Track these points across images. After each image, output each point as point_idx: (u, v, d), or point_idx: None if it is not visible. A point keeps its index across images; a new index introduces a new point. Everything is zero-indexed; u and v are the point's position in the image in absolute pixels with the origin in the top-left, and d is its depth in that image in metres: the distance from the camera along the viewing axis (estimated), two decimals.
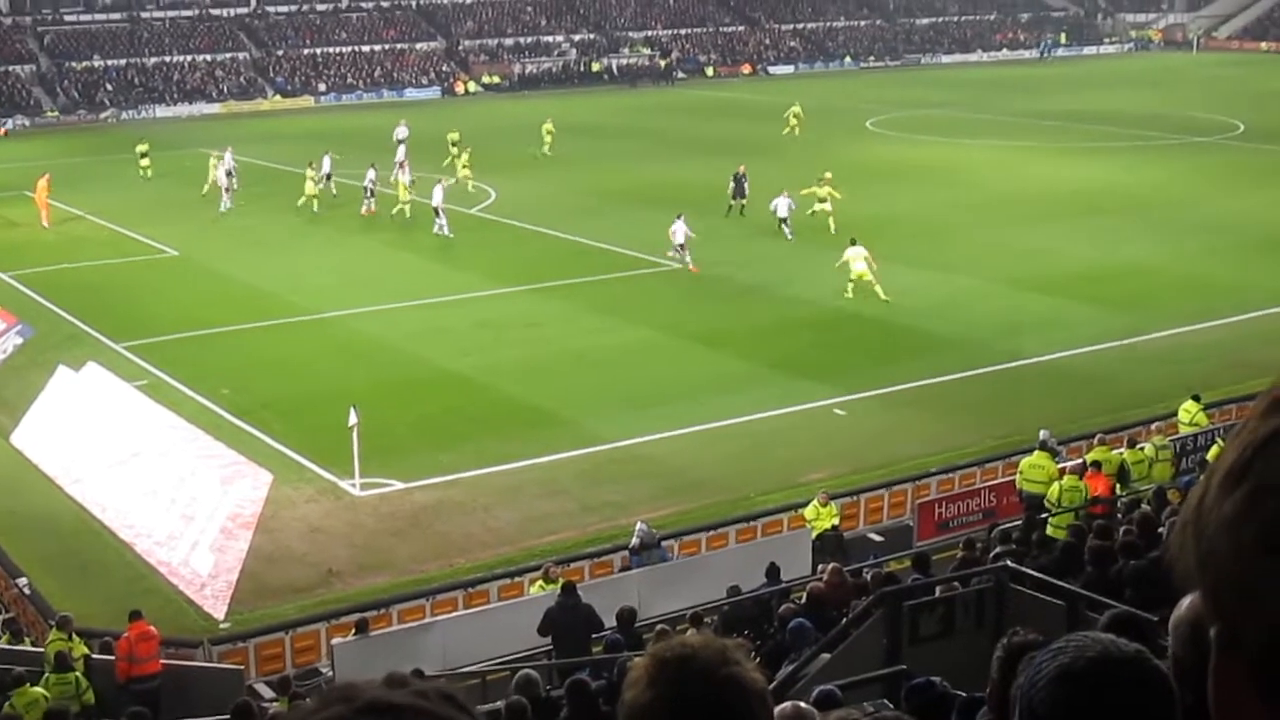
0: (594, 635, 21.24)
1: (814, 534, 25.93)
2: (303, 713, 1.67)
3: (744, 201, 55.03)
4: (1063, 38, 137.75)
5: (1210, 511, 1.37)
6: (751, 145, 73.85)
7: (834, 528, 26.08)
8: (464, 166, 61.80)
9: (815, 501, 26.32)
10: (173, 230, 54.63)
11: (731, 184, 55.57)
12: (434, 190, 53.89)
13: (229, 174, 61.06)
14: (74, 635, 21.49)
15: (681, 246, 47.22)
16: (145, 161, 67.16)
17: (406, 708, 1.64)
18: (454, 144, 67.49)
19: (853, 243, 43.26)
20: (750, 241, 50.88)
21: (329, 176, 60.92)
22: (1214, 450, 26.32)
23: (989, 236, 51.32)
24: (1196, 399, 29.96)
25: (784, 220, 50.70)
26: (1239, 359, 35.56)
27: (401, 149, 63.91)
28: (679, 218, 47.44)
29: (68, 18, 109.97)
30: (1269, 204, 56.78)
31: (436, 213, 53.15)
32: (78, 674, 20.47)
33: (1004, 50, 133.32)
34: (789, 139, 76.10)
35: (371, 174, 56.84)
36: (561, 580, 22.73)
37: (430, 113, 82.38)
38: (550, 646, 21.62)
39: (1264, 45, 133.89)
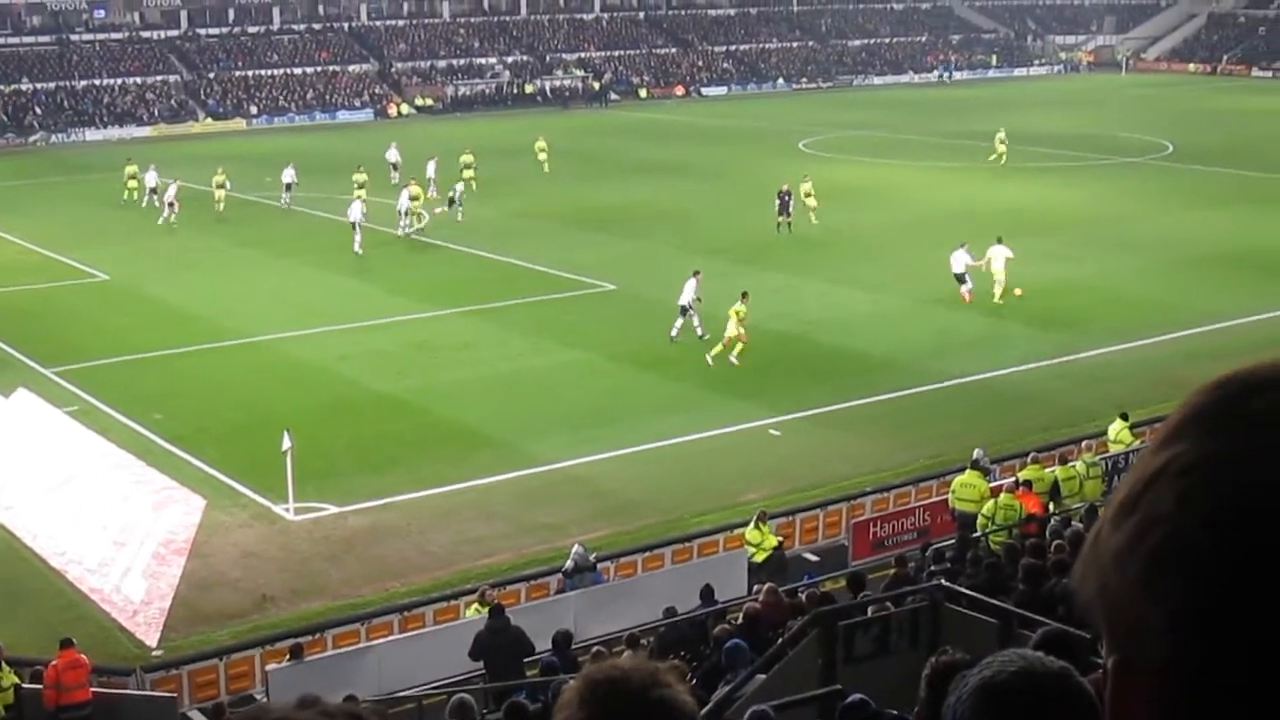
0: (528, 658, 21.19)
1: (761, 557, 25.79)
2: None
3: (789, 219, 55.20)
4: (993, 59, 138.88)
5: (1104, 544, 1.39)
6: (685, 167, 74.18)
7: (777, 547, 26.08)
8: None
9: (756, 525, 26.18)
10: (103, 254, 54.22)
11: (776, 202, 55.71)
12: (351, 206, 55.14)
13: (154, 190, 63.40)
14: (3, 664, 21.25)
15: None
16: (133, 184, 66.34)
17: None
18: (467, 166, 68.21)
19: (998, 240, 44.58)
20: (683, 263, 50.88)
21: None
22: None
23: (921, 256, 51.53)
24: (1124, 417, 30.26)
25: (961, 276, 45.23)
26: (1168, 377, 35.82)
27: (431, 165, 65.84)
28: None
29: None
30: (1197, 223, 57.39)
31: (354, 228, 54.13)
32: None
33: (935, 72, 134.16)
34: (995, 165, 73.60)
35: (358, 207, 55.68)
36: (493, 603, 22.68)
37: (364, 135, 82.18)
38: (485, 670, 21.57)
39: (1192, 66, 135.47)
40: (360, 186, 60.15)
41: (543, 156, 75.06)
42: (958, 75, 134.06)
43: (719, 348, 38.40)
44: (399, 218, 57.45)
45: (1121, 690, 1.40)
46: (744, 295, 39.15)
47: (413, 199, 58.25)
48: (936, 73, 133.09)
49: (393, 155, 72.00)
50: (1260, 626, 1.27)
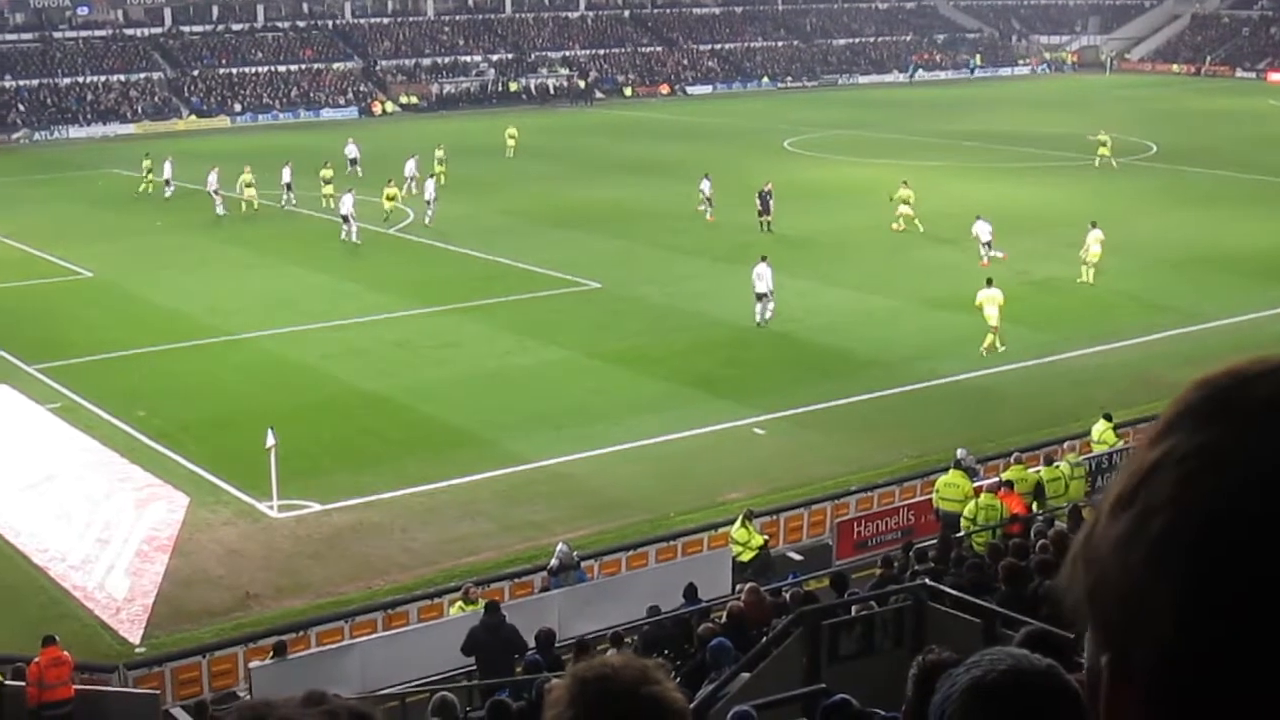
0: (520, 655, 21.18)
1: (747, 556, 25.75)
2: None
3: (770, 218, 55.69)
4: (978, 59, 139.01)
5: (1101, 538, 1.41)
6: (670, 166, 74.09)
7: (763, 545, 26.05)
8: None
9: (742, 523, 26.11)
10: (87, 251, 54.11)
11: (758, 202, 56.28)
12: (343, 199, 56.26)
13: (167, 181, 65.88)
14: None
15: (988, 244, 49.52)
16: (150, 177, 67.69)
17: None
18: (440, 161, 69.21)
19: (1093, 225, 47.16)
20: (667, 261, 51.00)
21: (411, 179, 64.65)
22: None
23: (905, 256, 51.68)
24: (1108, 418, 30.28)
25: (987, 243, 49.82)
26: (1152, 378, 35.92)
27: (411, 164, 66.41)
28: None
29: None
30: (1181, 224, 57.48)
31: (346, 220, 55.38)
32: None
33: (920, 71, 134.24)
34: (1101, 171, 71.97)
35: (349, 200, 56.48)
36: (483, 600, 22.67)
37: (348, 133, 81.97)
38: (470, 667, 21.55)
39: (1175, 67, 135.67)
40: (327, 182, 62.31)
41: (511, 143, 79.17)
42: (941, 75, 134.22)
43: (991, 337, 39.27)
44: (426, 208, 59.08)
45: (1117, 688, 1.41)
46: (989, 282, 40.16)
47: (389, 198, 59.32)
48: (907, 73, 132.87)
49: (351, 151, 73.46)
50: (1267, 603, 1.29)
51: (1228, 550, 1.31)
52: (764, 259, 42.49)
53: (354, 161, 72.13)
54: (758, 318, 41.96)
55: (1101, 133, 74.57)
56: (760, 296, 42.04)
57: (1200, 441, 1.37)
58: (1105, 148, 73.29)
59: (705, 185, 59.78)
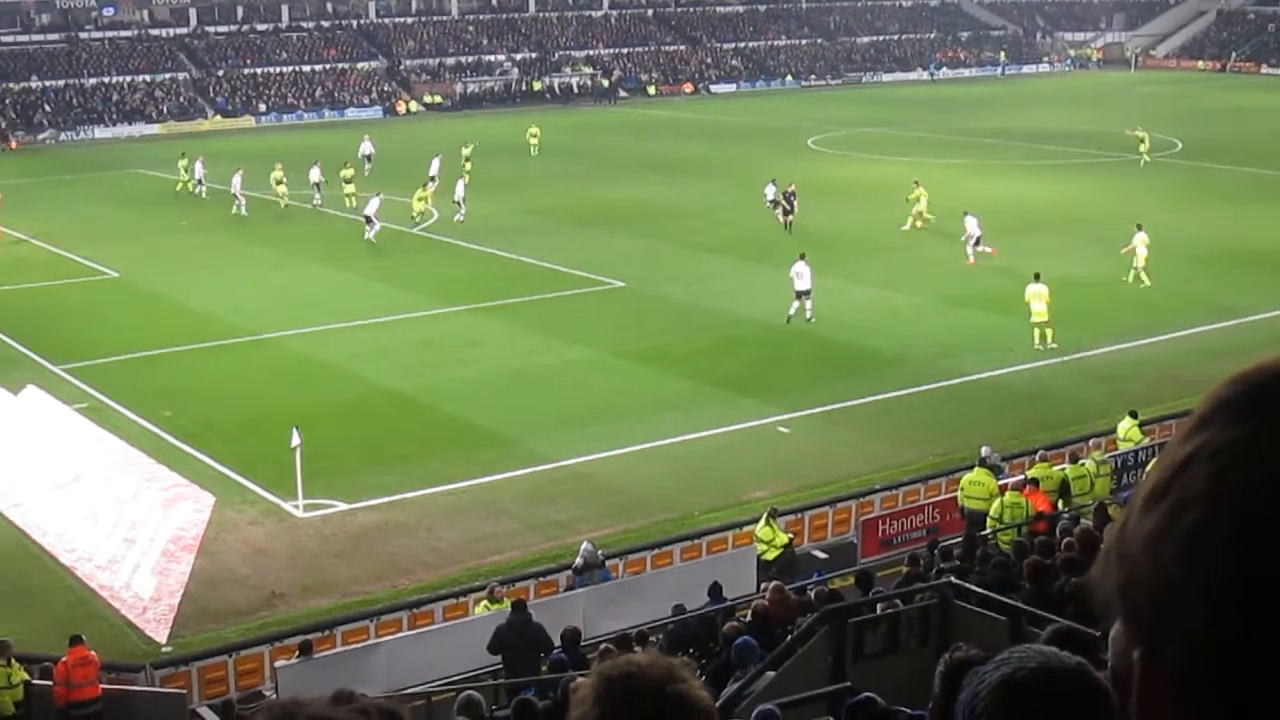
0: (542, 654, 21.19)
1: (772, 554, 25.75)
2: None
3: (792, 218, 55.96)
4: (1002, 56, 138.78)
5: (1133, 533, 1.40)
6: (694, 164, 74.13)
7: (787, 544, 26.04)
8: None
9: (767, 522, 26.13)
10: (113, 251, 54.27)
11: (782, 202, 56.68)
12: (370, 201, 56.35)
13: (200, 181, 67.05)
14: (13, 660, 21.26)
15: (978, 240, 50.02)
16: (185, 175, 68.41)
17: None
18: (467, 159, 69.78)
19: (1139, 228, 46.85)
20: (691, 260, 50.96)
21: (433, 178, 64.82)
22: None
23: (929, 254, 51.57)
24: (1134, 415, 30.19)
25: (977, 239, 50.25)
26: (1177, 375, 35.80)
27: (435, 163, 66.70)
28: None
29: (4, 39, 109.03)
30: (1206, 221, 57.27)
31: (368, 221, 55.62)
32: None
33: (944, 69, 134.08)
34: (1131, 167, 71.93)
35: (375, 202, 56.71)
36: (509, 599, 22.68)
37: (373, 133, 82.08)
38: (496, 666, 21.56)
39: (1200, 64, 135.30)
40: (348, 182, 63.03)
41: (534, 142, 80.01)
42: (965, 73, 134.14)
43: (1049, 332, 39.57)
44: (458, 207, 59.30)
45: (1148, 680, 1.41)
46: (1037, 276, 40.22)
47: (420, 199, 59.44)
48: (928, 71, 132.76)
49: (365, 148, 74.15)
50: None
51: (1260, 545, 1.30)
52: (803, 257, 42.50)
53: (368, 158, 72.92)
54: (791, 311, 41.97)
55: (1139, 128, 74.19)
56: (799, 295, 42.09)
57: (1233, 436, 1.37)
58: (1144, 144, 72.99)
59: (770, 190, 59.42)
